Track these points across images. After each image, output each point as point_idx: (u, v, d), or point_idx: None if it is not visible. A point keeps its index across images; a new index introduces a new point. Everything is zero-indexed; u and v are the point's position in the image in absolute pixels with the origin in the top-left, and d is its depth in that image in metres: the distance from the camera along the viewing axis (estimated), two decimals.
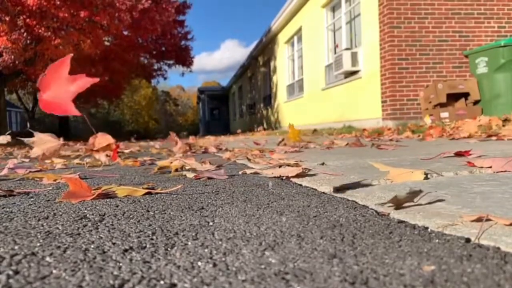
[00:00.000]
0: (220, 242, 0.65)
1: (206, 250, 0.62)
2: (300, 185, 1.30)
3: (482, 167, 1.38)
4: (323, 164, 1.86)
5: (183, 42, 23.54)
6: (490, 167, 1.36)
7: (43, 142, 1.47)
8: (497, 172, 1.31)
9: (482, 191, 0.98)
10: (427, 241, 0.61)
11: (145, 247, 0.65)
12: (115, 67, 18.07)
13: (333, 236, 0.67)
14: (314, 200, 1.01)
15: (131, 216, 0.90)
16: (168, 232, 0.75)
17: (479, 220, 0.69)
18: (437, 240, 0.61)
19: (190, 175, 1.65)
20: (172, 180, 1.60)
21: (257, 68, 19.55)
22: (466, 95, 6.59)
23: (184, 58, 23.63)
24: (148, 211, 0.96)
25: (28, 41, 11.70)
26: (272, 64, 16.88)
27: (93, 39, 12.83)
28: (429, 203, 0.88)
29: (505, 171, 1.30)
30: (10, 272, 0.54)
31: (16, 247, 0.67)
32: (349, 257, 0.55)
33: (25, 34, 11.51)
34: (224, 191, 1.25)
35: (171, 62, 23.98)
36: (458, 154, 1.84)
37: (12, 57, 11.51)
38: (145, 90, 45.37)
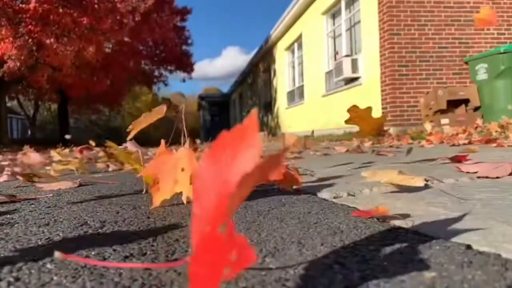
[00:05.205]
0: None
1: None
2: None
3: (468, 172, 1.40)
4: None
5: (183, 47, 23.71)
6: (476, 172, 1.38)
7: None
8: (483, 176, 1.32)
9: (482, 198, 0.98)
10: (428, 247, 0.61)
11: (146, 253, 0.65)
12: (116, 74, 18.13)
13: (334, 242, 0.67)
14: (315, 207, 1.01)
15: (131, 223, 0.90)
16: (169, 238, 0.75)
17: (479, 226, 0.69)
18: (437, 247, 0.61)
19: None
20: None
21: (257, 75, 19.61)
22: (466, 101, 6.61)
23: (184, 64, 23.77)
24: (148, 217, 0.96)
25: (34, 48, 11.77)
26: (272, 70, 16.93)
27: (94, 46, 12.90)
28: (430, 209, 0.88)
29: (487, 177, 1.31)
30: (11, 279, 0.54)
31: (17, 254, 0.67)
32: (350, 263, 0.55)
33: (30, 40, 11.59)
34: None
35: (172, 68, 24.12)
36: (458, 161, 1.84)
37: (18, 64, 11.58)
38: (146, 96, 45.49)
